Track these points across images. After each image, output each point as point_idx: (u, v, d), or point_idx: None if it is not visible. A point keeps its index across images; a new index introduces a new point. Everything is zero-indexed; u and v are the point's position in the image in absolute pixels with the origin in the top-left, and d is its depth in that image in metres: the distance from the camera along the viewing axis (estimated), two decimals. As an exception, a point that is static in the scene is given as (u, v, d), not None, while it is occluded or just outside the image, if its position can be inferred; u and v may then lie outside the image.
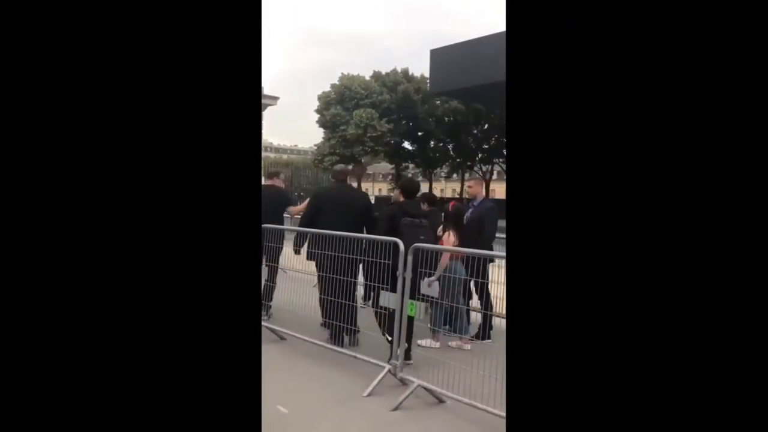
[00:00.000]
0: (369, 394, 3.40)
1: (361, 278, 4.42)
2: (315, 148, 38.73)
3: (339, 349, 4.04)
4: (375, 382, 3.45)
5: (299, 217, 5.30)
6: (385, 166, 44.47)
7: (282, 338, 4.55)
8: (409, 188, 4.60)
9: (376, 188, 46.53)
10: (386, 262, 3.88)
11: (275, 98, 20.68)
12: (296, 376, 3.75)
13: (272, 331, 4.60)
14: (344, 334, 4.32)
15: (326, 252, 4.31)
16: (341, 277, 4.23)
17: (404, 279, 3.60)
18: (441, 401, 3.33)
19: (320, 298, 4.53)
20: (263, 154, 23.74)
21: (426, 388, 3.37)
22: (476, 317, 4.95)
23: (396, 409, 3.22)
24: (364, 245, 4.17)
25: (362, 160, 33.84)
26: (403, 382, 3.47)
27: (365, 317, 4.85)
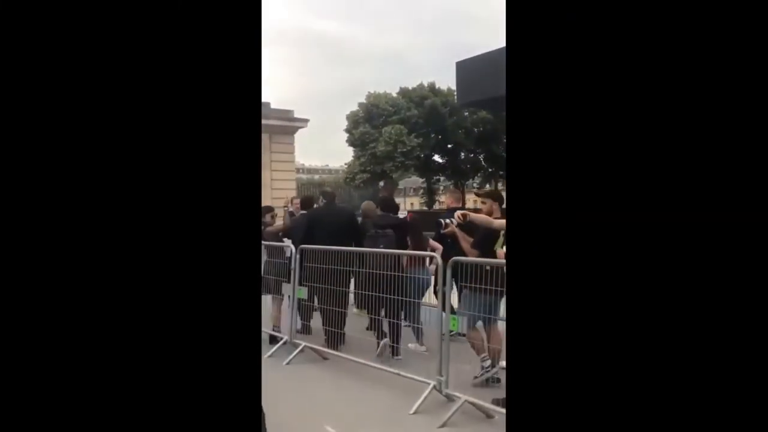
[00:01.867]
0: (415, 412, 3.36)
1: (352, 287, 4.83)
2: (346, 166, 39.06)
3: (382, 366, 4.02)
4: (421, 398, 3.41)
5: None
6: (416, 180, 44.40)
7: (325, 358, 4.56)
8: (385, 204, 5.35)
9: (408, 203, 46.51)
10: (425, 277, 4.06)
11: (305, 120, 21.01)
12: (341, 396, 3.74)
13: (314, 350, 4.62)
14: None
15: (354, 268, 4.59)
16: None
17: (444, 293, 3.57)
18: (489, 416, 3.26)
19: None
20: (297, 175, 24.06)
21: (473, 404, 3.31)
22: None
23: (444, 425, 3.17)
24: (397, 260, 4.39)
25: (393, 176, 33.95)
26: (450, 399, 3.42)
27: (403, 335, 4.85)
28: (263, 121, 20.78)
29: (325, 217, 5.32)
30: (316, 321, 5.26)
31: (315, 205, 5.89)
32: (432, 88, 34.36)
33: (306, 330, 5.21)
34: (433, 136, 33.64)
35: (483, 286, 3.42)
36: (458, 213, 3.70)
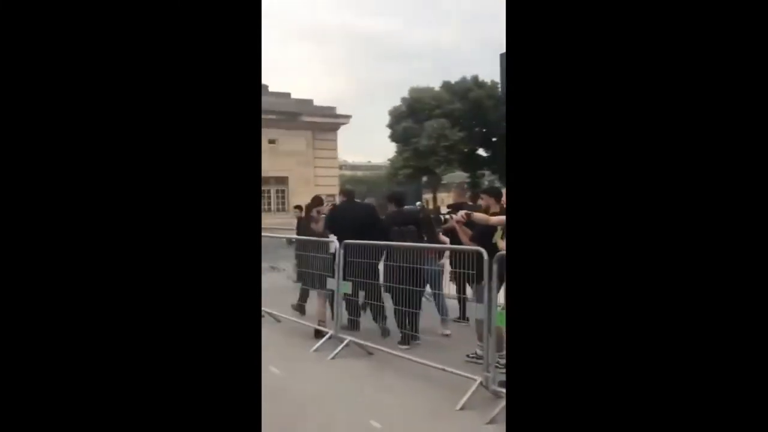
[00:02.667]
0: (462, 408, 3.33)
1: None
2: (389, 162, 39.04)
3: (427, 362, 4.00)
4: (467, 395, 3.38)
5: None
6: (460, 175, 43.87)
7: (369, 353, 4.59)
8: (397, 199, 5.58)
9: (452, 198, 46.02)
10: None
11: (348, 117, 21.14)
12: (386, 391, 3.75)
13: (360, 345, 4.65)
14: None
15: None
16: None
17: (491, 288, 3.52)
18: (538, 414, 3.20)
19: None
20: (340, 171, 24.24)
21: (521, 401, 3.25)
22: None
23: (491, 422, 3.13)
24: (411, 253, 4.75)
25: (436, 171, 33.71)
26: (497, 395, 3.37)
27: (452, 327, 4.84)
28: (307, 119, 20.99)
29: (345, 213, 5.51)
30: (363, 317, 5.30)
31: (328, 204, 6.13)
32: (475, 81, 33.91)
33: (354, 326, 5.24)
34: (477, 129, 33.24)
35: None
36: (462, 212, 4.26)
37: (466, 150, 33.30)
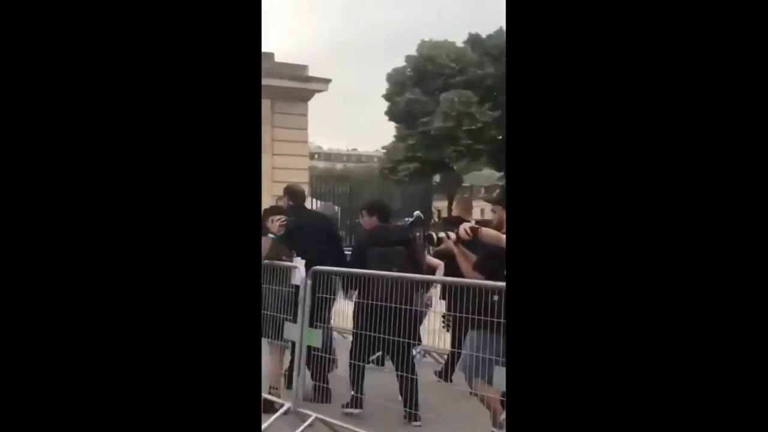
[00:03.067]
0: None
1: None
2: (383, 152, 39.05)
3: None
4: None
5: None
6: (489, 175, 43.43)
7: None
8: (381, 211, 5.54)
9: (476, 210, 46.05)
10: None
11: (326, 81, 20.89)
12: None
13: (327, 425, 4.65)
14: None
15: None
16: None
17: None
18: None
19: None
20: (311, 162, 24.26)
21: None
22: None
23: None
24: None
25: (454, 167, 33.63)
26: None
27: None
28: (264, 81, 21.02)
29: (299, 226, 5.42)
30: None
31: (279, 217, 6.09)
32: (517, 35, 34.23)
33: (323, 396, 5.21)
34: (516, 107, 33.47)
35: (493, 319, 3.66)
36: (466, 226, 4.07)
37: (499, 137, 33.28)
